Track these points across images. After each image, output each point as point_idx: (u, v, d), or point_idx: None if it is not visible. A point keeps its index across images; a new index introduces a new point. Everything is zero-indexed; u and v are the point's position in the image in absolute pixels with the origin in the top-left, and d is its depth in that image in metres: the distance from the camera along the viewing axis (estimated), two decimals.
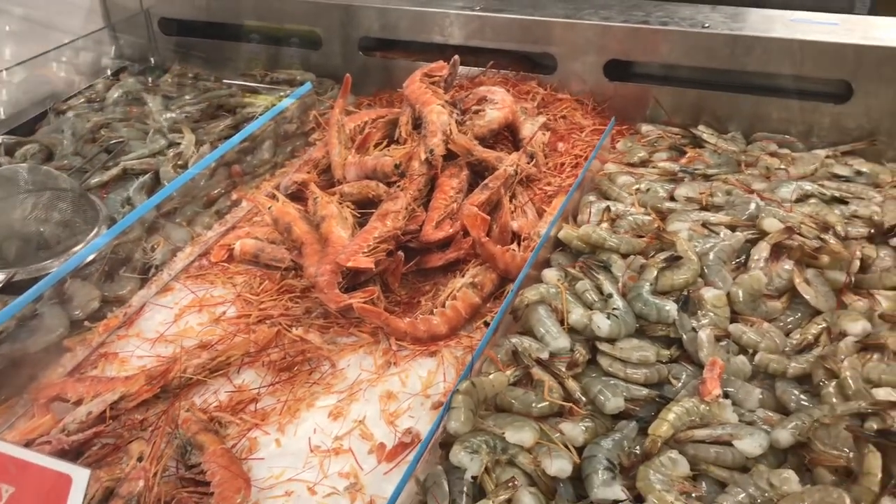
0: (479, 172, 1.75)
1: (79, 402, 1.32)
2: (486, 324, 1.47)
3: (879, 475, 1.09)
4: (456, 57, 1.95)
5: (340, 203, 1.66)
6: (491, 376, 1.23)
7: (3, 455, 0.86)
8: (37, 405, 1.33)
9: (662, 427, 1.17)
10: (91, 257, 1.55)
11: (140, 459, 1.20)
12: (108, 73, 2.45)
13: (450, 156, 1.71)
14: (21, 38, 2.28)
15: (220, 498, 1.17)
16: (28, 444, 1.25)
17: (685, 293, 1.40)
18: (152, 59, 2.55)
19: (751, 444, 1.16)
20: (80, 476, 0.85)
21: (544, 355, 1.31)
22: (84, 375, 1.41)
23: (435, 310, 1.47)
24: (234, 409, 1.35)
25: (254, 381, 1.41)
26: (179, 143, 2.00)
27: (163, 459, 1.21)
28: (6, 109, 2.22)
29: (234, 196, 1.86)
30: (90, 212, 1.71)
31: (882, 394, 1.23)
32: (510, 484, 1.08)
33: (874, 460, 1.10)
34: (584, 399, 1.25)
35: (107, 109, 2.21)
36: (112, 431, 1.28)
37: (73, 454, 1.24)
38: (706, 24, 2.00)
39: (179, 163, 1.92)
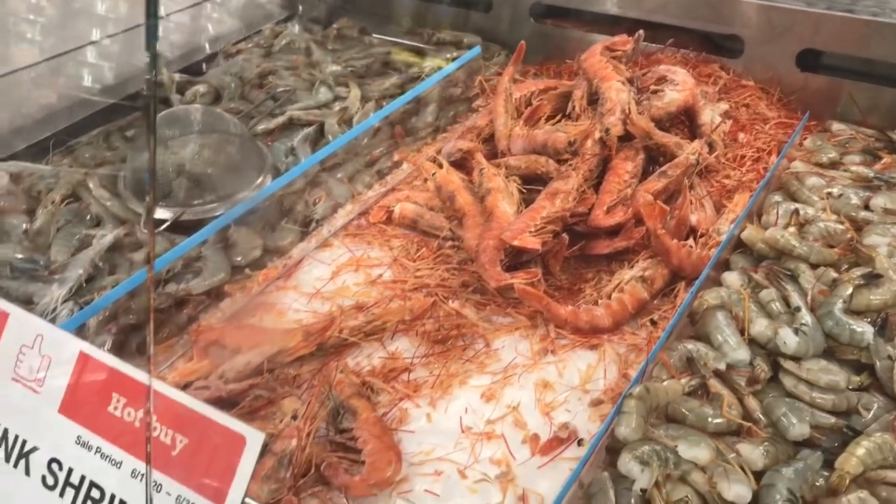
0: (654, 158, 1.65)
1: (236, 350, 1.32)
2: (653, 322, 1.38)
3: None
4: (640, 32, 1.84)
5: (507, 176, 1.59)
6: (665, 383, 1.14)
7: (182, 407, 0.85)
8: (196, 348, 1.34)
9: (851, 462, 1.06)
10: (256, 205, 1.56)
11: (294, 418, 1.19)
12: (276, 20, 2.46)
13: (626, 137, 1.61)
14: None
15: (371, 468, 1.14)
16: (186, 387, 1.26)
17: (883, 316, 1.27)
18: (320, 10, 2.54)
19: None
20: (254, 439, 0.83)
21: (721, 366, 1.21)
22: (243, 324, 1.42)
23: (599, 300, 1.40)
24: (386, 376, 1.32)
25: (407, 350, 1.37)
26: (345, 98, 1.98)
27: (316, 420, 1.20)
28: (177, 49, 2.26)
29: (396, 157, 1.83)
30: (256, 158, 1.72)
31: None
32: (684, 501, 1.00)
33: None
34: (764, 420, 1.15)
35: (274, 56, 2.22)
36: (266, 384, 1.27)
37: (228, 403, 1.24)
38: None
39: (344, 117, 1.89)
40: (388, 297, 1.47)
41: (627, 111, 1.60)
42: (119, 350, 1.29)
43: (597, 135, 1.58)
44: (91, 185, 1.60)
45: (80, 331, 1.28)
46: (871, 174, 1.69)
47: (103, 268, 1.43)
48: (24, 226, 1.54)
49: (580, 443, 1.19)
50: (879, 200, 1.57)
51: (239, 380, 1.25)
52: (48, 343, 0.95)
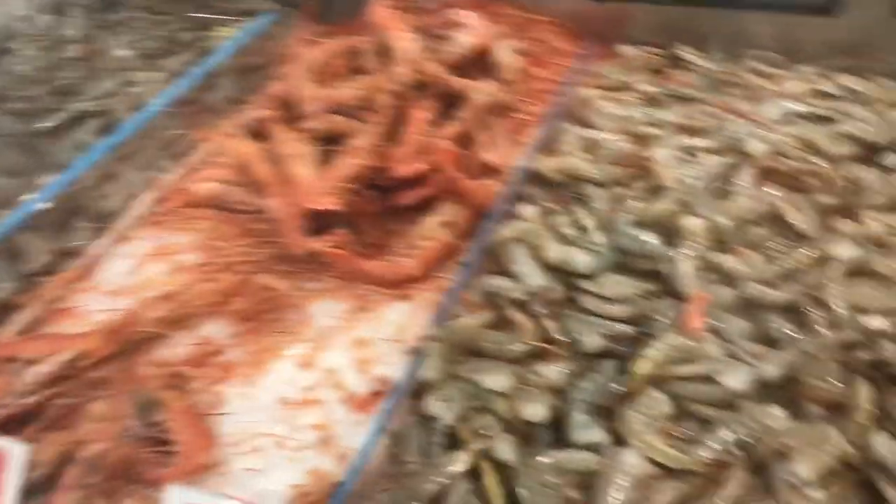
0: (451, 104, 1.66)
1: (33, 362, 1.25)
2: (463, 264, 1.40)
3: (870, 408, 1.05)
4: None
5: (304, 140, 1.57)
6: (463, 320, 1.17)
7: None
8: None
9: (644, 365, 1.12)
10: (42, 207, 1.47)
11: (102, 420, 1.14)
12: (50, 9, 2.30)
13: (419, 87, 1.61)
14: None
15: (184, 457, 1.11)
16: None
17: (668, 224, 1.34)
18: None
19: (736, 379, 1.11)
20: (18, 451, 0.79)
21: (518, 295, 1.24)
22: (39, 333, 1.34)
23: (407, 251, 1.40)
24: (198, 362, 1.29)
25: (218, 333, 1.34)
26: (135, 83, 1.88)
27: (123, 419, 1.16)
28: None
29: (193, 136, 1.76)
30: (40, 159, 1.62)
31: (874, 323, 1.18)
32: (486, 430, 1.03)
33: (864, 393, 1.06)
34: (563, 339, 1.19)
35: (56, 48, 2.08)
36: (70, 392, 1.21)
37: (31, 416, 1.18)
38: None
39: (136, 104, 1.80)
40: (195, 281, 1.43)
41: (417, 60, 1.60)
42: None
43: (389, 86, 1.57)
44: None
45: None
46: (658, 91, 1.77)
47: None
48: None
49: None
50: (663, 115, 1.64)
51: (37, 391, 1.19)
52: None
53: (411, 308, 1.35)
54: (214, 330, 1.35)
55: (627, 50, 1.97)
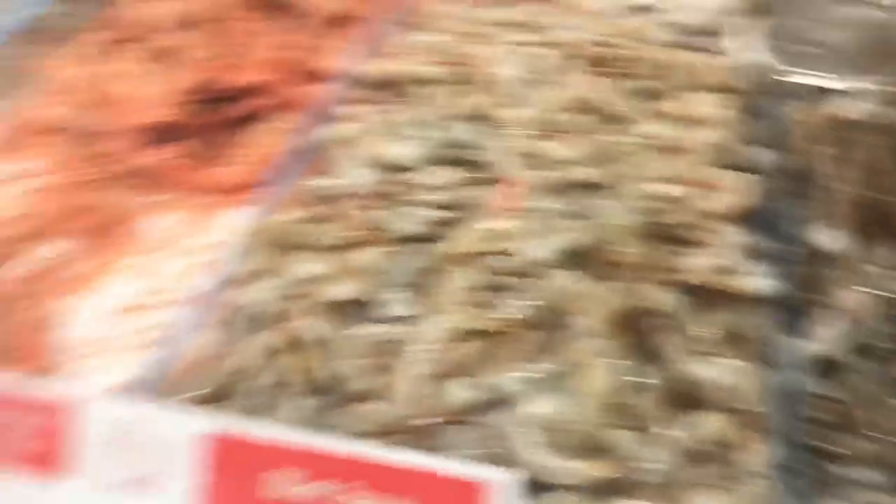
0: (286, 14, 1.67)
1: None
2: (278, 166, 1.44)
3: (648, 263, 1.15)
4: None
5: (139, 59, 1.57)
6: (279, 216, 1.22)
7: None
8: None
9: (455, 245, 1.20)
10: None
11: None
12: None
13: None
14: None
15: (22, 364, 1.15)
16: None
17: (488, 116, 1.40)
18: None
19: (539, 250, 1.19)
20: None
21: (342, 192, 1.30)
22: None
23: (238, 158, 1.44)
24: (39, 279, 1.32)
25: (66, 249, 1.37)
26: None
27: None
28: None
29: (37, 65, 1.74)
30: None
31: (674, 192, 1.28)
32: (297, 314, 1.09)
33: (649, 252, 1.16)
34: (381, 229, 1.26)
35: None
36: None
37: None
38: None
39: None
40: (44, 201, 1.44)
41: None
42: None
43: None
44: None
45: None
46: None
47: None
48: None
49: None
50: (493, 14, 1.69)
51: None
52: None
53: (244, 213, 1.40)
54: (55, 249, 1.37)
55: None
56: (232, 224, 1.38)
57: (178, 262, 1.33)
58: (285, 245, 1.20)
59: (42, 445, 0.73)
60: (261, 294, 1.11)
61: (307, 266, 1.14)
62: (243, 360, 1.04)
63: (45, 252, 1.37)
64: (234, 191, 1.42)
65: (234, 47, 1.56)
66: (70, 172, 1.51)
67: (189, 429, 0.70)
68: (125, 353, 1.20)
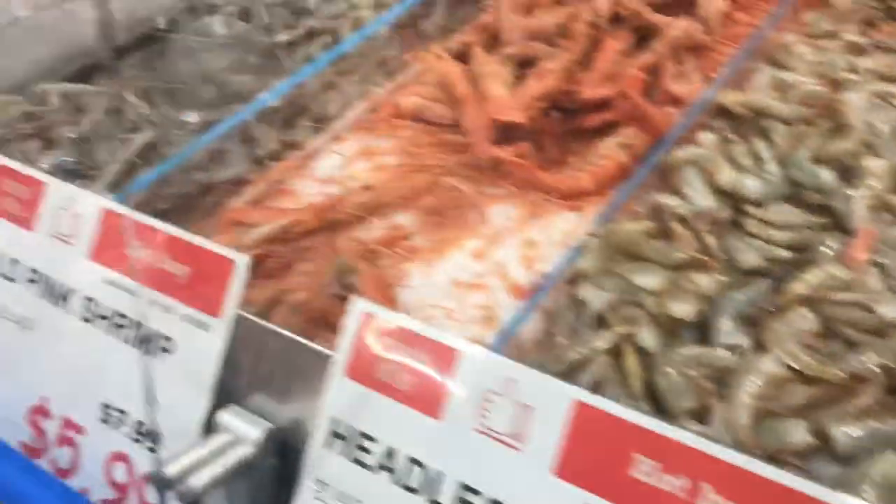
0: (645, 37, 1.72)
1: (255, 226, 1.48)
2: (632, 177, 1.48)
3: None
4: None
5: (501, 62, 1.70)
6: (625, 224, 1.26)
7: (181, 240, 1.02)
8: (221, 226, 1.51)
9: (799, 286, 1.16)
10: (273, 104, 1.71)
11: (306, 275, 1.35)
12: None
13: (616, 19, 1.69)
14: None
15: None
16: None
17: (847, 162, 1.34)
18: None
19: (892, 310, 1.12)
20: (241, 260, 0.99)
21: (686, 212, 1.31)
22: (263, 205, 1.58)
23: (583, 167, 1.50)
24: (388, 243, 1.47)
25: (408, 222, 1.52)
26: (358, 6, 2.09)
27: (324, 277, 1.36)
28: None
29: (405, 57, 1.95)
30: (276, 64, 1.87)
31: None
32: (635, 319, 1.12)
33: None
34: (720, 256, 1.25)
35: None
36: (282, 252, 1.44)
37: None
38: None
39: (357, 25, 2.02)
40: (392, 178, 1.61)
41: None
42: None
43: (586, 17, 1.66)
44: (129, 97, 1.78)
45: None
46: (864, 41, 1.73)
47: (141, 164, 1.61)
48: (71, 135, 1.72)
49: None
50: (865, 62, 1.61)
51: (258, 247, 1.42)
52: (79, 204, 1.13)
53: (580, 218, 1.46)
54: (404, 220, 1.52)
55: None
56: (571, 224, 1.44)
57: (516, 251, 1.41)
58: (627, 253, 1.24)
59: (426, 387, 0.82)
60: (600, 294, 1.16)
61: (648, 277, 1.17)
62: (584, 354, 1.08)
63: (391, 222, 1.52)
64: (577, 195, 1.48)
65: (590, 62, 1.63)
66: (419, 156, 1.67)
67: (560, 394, 0.75)
68: (461, 325, 1.30)
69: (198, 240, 1.02)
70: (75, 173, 1.62)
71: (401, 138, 1.73)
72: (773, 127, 1.45)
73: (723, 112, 1.53)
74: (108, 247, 1.09)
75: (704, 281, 1.18)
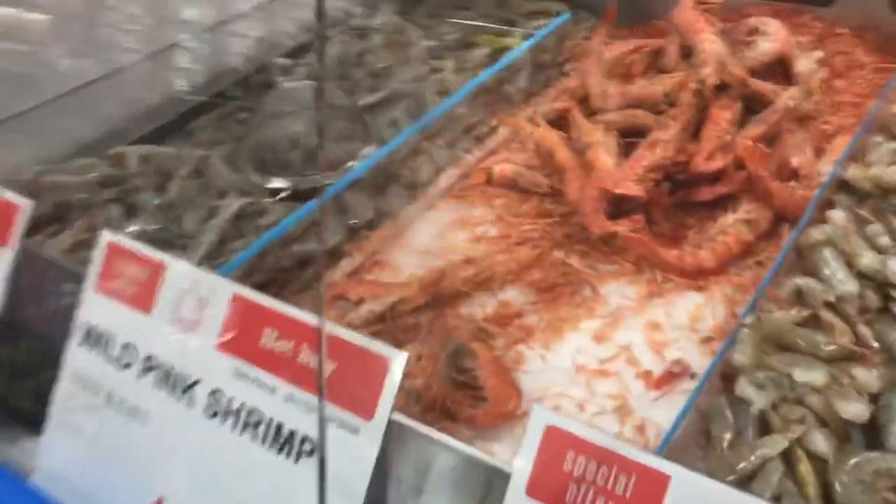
0: (751, 108, 1.66)
1: (359, 302, 1.41)
2: (759, 263, 1.41)
3: None
4: None
5: (604, 130, 1.64)
6: (777, 314, 1.18)
7: (330, 336, 0.94)
8: (324, 301, 1.43)
9: None
10: (366, 172, 1.65)
11: (419, 359, 1.27)
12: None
13: (722, 89, 1.63)
14: None
15: (494, 402, 1.21)
16: None
17: None
18: None
19: None
20: (397, 358, 0.91)
21: (831, 297, 1.23)
22: (363, 279, 1.51)
23: (704, 244, 1.43)
24: (500, 322, 1.39)
25: (516, 298, 1.44)
26: (441, 70, 2.05)
27: (439, 361, 1.28)
28: (277, 35, 2.36)
29: (493, 122, 1.89)
30: (362, 130, 1.81)
31: None
32: (801, 420, 1.04)
33: None
34: (876, 346, 1.17)
35: (369, 37, 2.31)
36: (389, 332, 1.36)
37: None
38: None
39: (441, 89, 1.97)
40: (495, 250, 1.54)
41: (722, 61, 1.62)
42: None
43: (693, 85, 1.60)
44: (212, 162, 1.72)
45: None
46: None
47: (231, 233, 1.55)
48: (155, 201, 1.66)
49: (693, 376, 1.23)
50: None
51: (364, 327, 1.34)
52: (204, 288, 1.06)
53: (704, 299, 1.38)
54: (514, 296, 1.45)
55: None
56: (695, 305, 1.37)
57: (641, 334, 1.33)
58: (780, 344, 1.15)
59: None
60: (757, 391, 1.07)
61: (809, 373, 1.08)
62: (754, 463, 1.00)
63: (499, 298, 1.44)
64: (699, 274, 1.40)
65: (703, 132, 1.57)
66: (520, 227, 1.60)
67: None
68: (589, 415, 1.22)
69: (347, 333, 0.94)
70: (163, 242, 1.55)
71: (496, 207, 1.67)
72: None
73: (844, 186, 1.46)
74: (239, 335, 1.02)
75: (866, 376, 1.09)
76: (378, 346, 0.92)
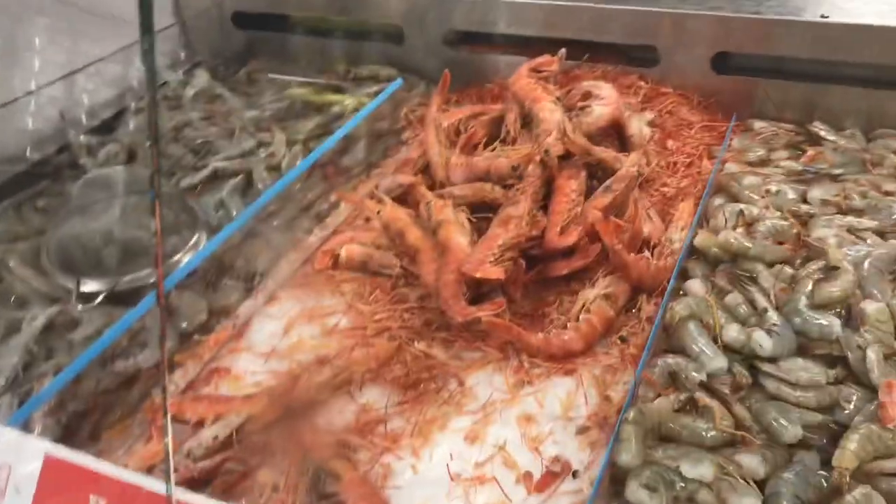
0: (593, 174, 1.64)
1: (199, 423, 1.23)
2: (622, 339, 1.36)
3: None
4: (563, 50, 1.85)
5: (453, 207, 1.56)
6: (655, 403, 1.13)
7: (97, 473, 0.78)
8: (154, 427, 1.24)
9: (846, 457, 1.07)
10: (195, 266, 1.47)
11: (275, 490, 1.12)
12: (181, 71, 2.35)
13: (564, 157, 1.60)
14: (86, 36, 2.17)
15: None
16: (150, 470, 1.16)
17: (846, 307, 1.29)
18: (224, 56, 2.45)
19: None
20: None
21: (703, 377, 1.20)
22: (200, 394, 1.32)
23: (568, 324, 1.37)
24: (361, 430, 1.26)
25: (378, 400, 1.31)
26: (269, 143, 1.91)
27: (298, 490, 1.12)
28: (79, 110, 2.12)
29: (333, 198, 1.77)
30: (187, 217, 1.63)
31: None
32: None
33: None
34: (756, 426, 1.14)
35: (186, 108, 2.12)
36: (238, 458, 1.19)
37: (200, 482, 1.16)
38: (825, 14, 1.87)
39: (272, 164, 1.82)
40: (349, 346, 1.41)
41: (564, 130, 1.60)
42: (70, 441, 1.18)
43: (539, 157, 1.56)
44: (11, 264, 1.48)
45: (25, 425, 1.16)
46: (801, 167, 1.74)
47: (39, 353, 1.32)
48: None
49: (574, 475, 1.16)
50: (816, 192, 1.61)
51: (209, 456, 1.17)
52: (5, 449, 0.86)
53: (575, 384, 1.31)
54: (374, 397, 1.32)
55: (761, 125, 1.94)
56: (564, 396, 1.29)
57: (512, 432, 1.24)
58: (661, 435, 1.10)
59: None
60: (650, 495, 1.00)
61: (695, 468, 1.03)
62: None
63: (358, 403, 1.31)
64: (568, 356, 1.34)
65: (553, 205, 1.52)
66: (374, 316, 1.48)
67: None
68: None
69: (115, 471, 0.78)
70: None
71: (346, 293, 1.54)
72: (755, 269, 1.39)
73: (698, 253, 1.46)
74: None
75: (751, 462, 1.06)
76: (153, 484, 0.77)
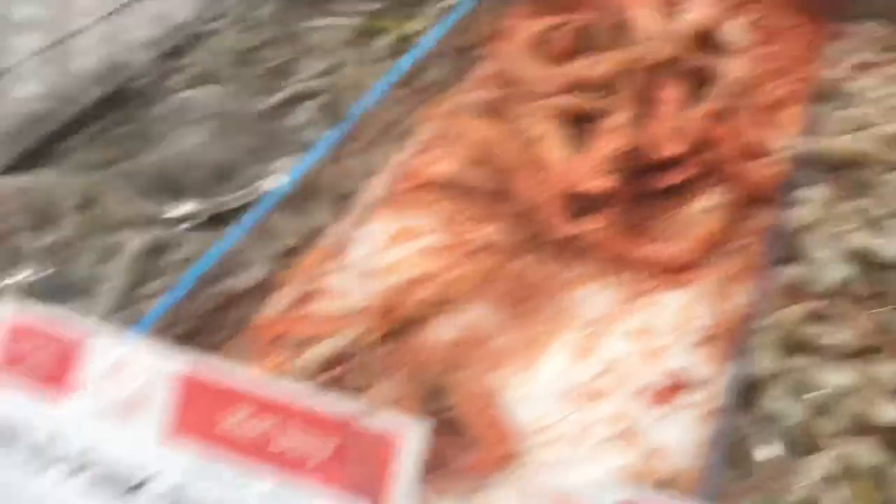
0: (696, 82, 1.56)
1: (307, 342, 1.22)
2: (740, 250, 1.31)
3: None
4: None
5: (548, 120, 1.49)
6: (783, 312, 1.08)
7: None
8: (262, 345, 1.23)
9: None
10: (288, 188, 1.44)
11: (390, 406, 1.10)
12: None
13: (666, 63, 1.52)
14: None
15: (484, 447, 1.06)
16: None
17: None
18: None
19: None
20: (415, 431, 0.74)
21: (828, 287, 1.15)
22: (305, 314, 1.31)
23: (679, 235, 1.32)
24: (468, 348, 1.24)
25: (482, 319, 1.28)
26: (343, 64, 1.85)
27: (409, 404, 1.11)
28: (145, 33, 2.07)
29: (416, 117, 1.72)
30: (272, 138, 1.60)
31: None
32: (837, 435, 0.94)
33: None
34: (888, 336, 1.09)
35: (255, 30, 2.07)
36: (349, 376, 1.18)
37: None
38: None
39: (352, 83, 1.77)
40: (447, 265, 1.37)
41: (663, 36, 1.51)
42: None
43: (639, 64, 1.49)
44: (106, 189, 1.47)
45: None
46: None
47: (140, 275, 1.31)
48: (38, 243, 1.40)
49: (695, 387, 1.12)
50: None
51: (326, 370, 1.16)
52: (140, 365, 0.85)
53: (690, 296, 1.27)
54: (477, 315, 1.29)
55: (857, 27, 1.83)
56: (680, 309, 1.25)
57: (625, 346, 1.21)
58: (791, 345, 1.05)
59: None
60: (792, 405, 0.96)
61: (832, 375, 0.99)
62: (783, 485, 0.89)
63: (463, 319, 1.29)
64: (677, 269, 1.29)
65: (656, 114, 1.45)
66: (470, 234, 1.44)
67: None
68: (592, 445, 1.08)
69: (341, 405, 0.76)
70: (55, 295, 1.30)
71: (439, 213, 1.50)
72: (874, 176, 1.31)
73: (814, 161, 1.38)
74: (193, 419, 0.82)
75: (893, 371, 1.01)
76: (386, 420, 0.75)
